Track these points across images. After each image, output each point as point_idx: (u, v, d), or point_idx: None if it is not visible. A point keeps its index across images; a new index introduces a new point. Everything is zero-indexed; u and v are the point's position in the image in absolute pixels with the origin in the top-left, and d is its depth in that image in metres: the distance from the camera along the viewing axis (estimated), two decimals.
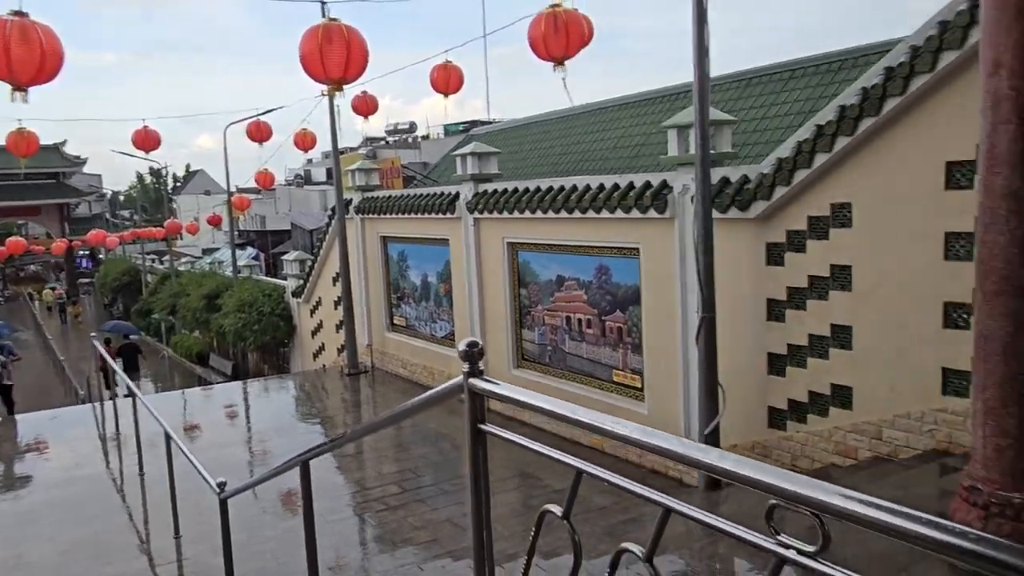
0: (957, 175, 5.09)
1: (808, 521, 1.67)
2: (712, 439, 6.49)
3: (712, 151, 6.50)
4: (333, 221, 14.44)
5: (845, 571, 1.66)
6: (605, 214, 8.18)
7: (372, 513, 7.02)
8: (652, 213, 7.54)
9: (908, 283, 5.47)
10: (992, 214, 3.20)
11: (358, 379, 13.48)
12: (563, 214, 8.78)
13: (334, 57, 7.56)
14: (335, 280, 14.67)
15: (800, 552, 1.73)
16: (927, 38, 5.08)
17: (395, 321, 13.59)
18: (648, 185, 7.67)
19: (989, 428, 3.28)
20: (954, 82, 5.06)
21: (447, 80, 11.36)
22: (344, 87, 8.05)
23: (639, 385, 8.30)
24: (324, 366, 15.60)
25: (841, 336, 6.04)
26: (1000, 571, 1.36)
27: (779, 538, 1.77)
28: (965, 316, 5.15)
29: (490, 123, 25.57)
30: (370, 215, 13.57)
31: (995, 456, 3.25)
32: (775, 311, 6.57)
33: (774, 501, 1.82)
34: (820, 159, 5.87)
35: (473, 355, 2.53)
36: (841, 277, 5.98)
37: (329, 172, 24.77)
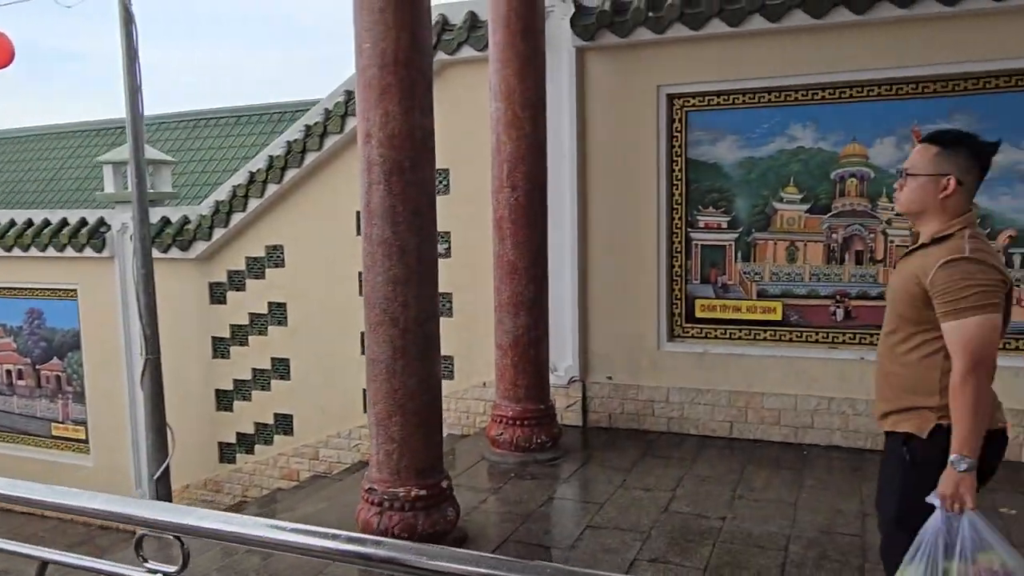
0: None
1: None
2: (163, 483, 6.36)
3: (152, 190, 6.44)
4: None
5: None
6: (35, 252, 7.42)
7: None
8: (90, 252, 7.11)
9: (333, 316, 6.19)
10: (372, 258, 3.86)
11: None
12: None
13: None
14: None
15: (165, 574, 1.92)
16: (336, 103, 5.90)
17: None
18: (84, 222, 7.21)
19: (380, 436, 3.92)
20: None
21: None
22: None
23: (83, 437, 7.67)
24: None
25: (280, 368, 6.54)
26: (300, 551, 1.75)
27: (147, 565, 1.94)
28: None
29: None
30: None
31: (385, 459, 3.90)
32: (220, 348, 6.78)
33: (143, 531, 1.99)
34: (254, 203, 6.30)
35: None
36: (278, 313, 6.49)
37: None
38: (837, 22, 4.70)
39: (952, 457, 2.07)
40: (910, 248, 2.31)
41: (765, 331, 5.21)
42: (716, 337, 5.32)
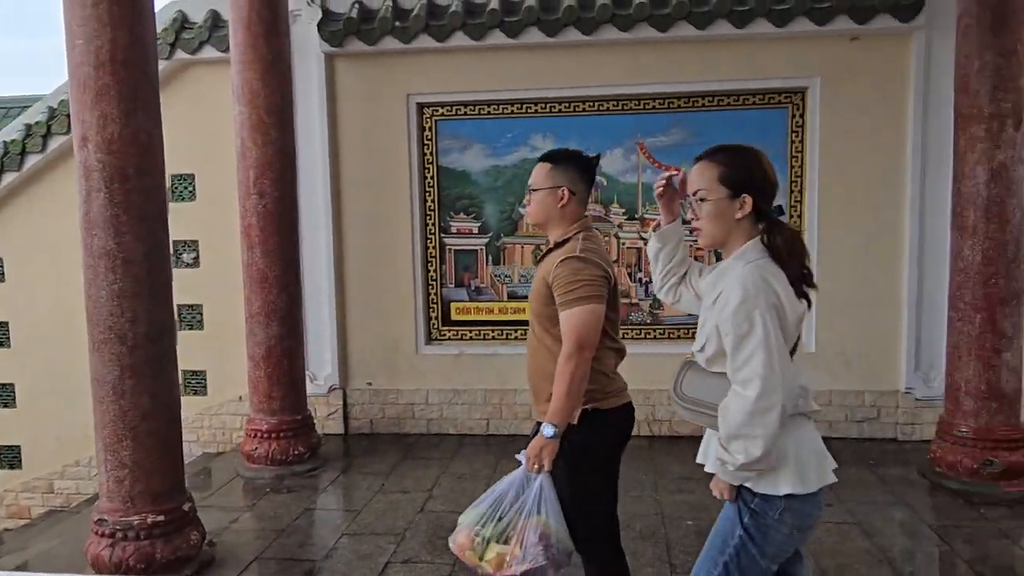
0: None
1: None
2: None
3: None
4: None
5: None
6: None
7: None
8: None
9: (66, 333, 5.60)
10: (94, 271, 3.56)
11: None
12: None
13: None
14: None
15: None
16: (61, 100, 5.39)
17: None
18: None
19: (109, 463, 3.63)
20: None
21: None
22: None
23: None
24: None
25: (3, 395, 5.86)
26: None
27: None
28: None
29: None
30: None
31: (116, 487, 3.62)
32: None
33: None
34: None
35: None
36: None
37: None
38: (569, 41, 5.05)
39: (543, 425, 2.34)
40: (543, 253, 2.59)
41: (516, 331, 5.47)
42: (471, 338, 5.51)
